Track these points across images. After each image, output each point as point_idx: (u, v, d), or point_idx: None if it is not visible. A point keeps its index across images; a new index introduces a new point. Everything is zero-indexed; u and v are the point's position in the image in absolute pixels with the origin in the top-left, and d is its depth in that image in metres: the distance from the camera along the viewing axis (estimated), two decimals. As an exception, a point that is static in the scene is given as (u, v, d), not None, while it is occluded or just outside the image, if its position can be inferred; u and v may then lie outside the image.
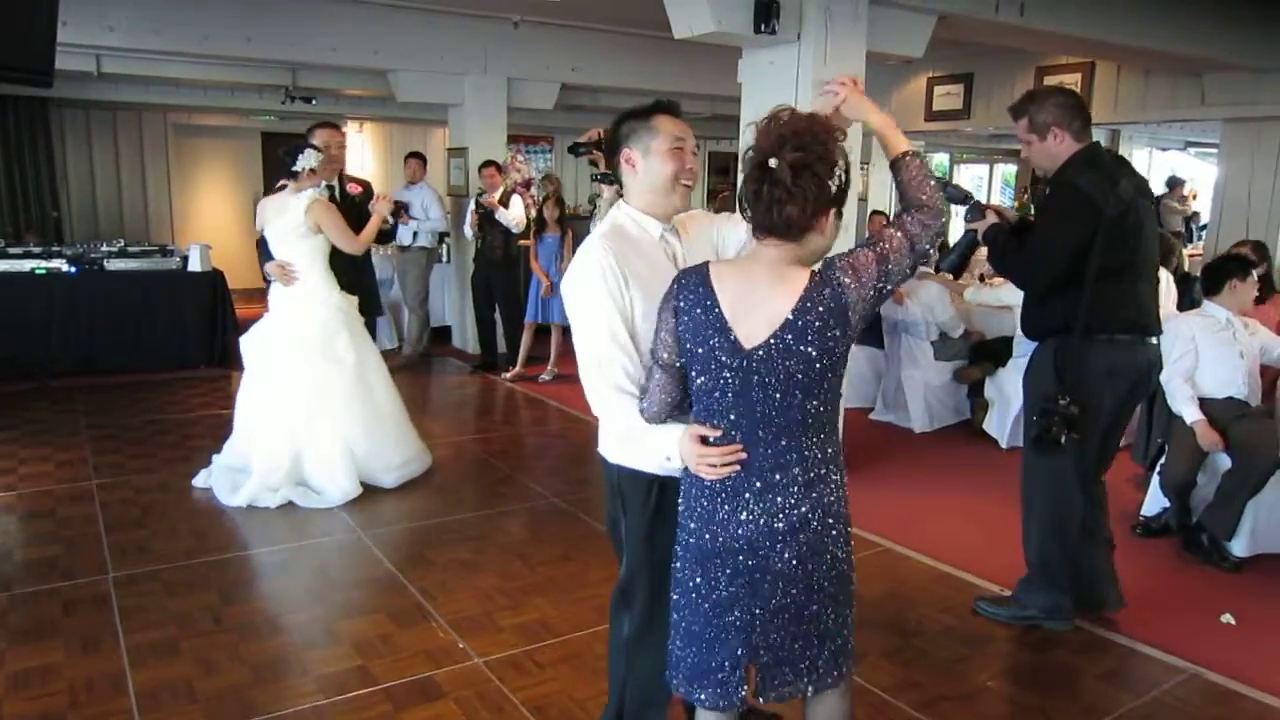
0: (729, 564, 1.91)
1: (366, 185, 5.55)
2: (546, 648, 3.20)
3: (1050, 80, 8.46)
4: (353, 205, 5.10)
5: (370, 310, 5.24)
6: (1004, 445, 5.68)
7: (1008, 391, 5.65)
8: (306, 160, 4.54)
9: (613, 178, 6.21)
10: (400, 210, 7.67)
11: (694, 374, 1.91)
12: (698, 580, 1.96)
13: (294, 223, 4.56)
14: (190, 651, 3.12)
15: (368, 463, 4.72)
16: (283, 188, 4.77)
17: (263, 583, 3.81)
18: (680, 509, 2.02)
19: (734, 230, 2.31)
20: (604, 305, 2.05)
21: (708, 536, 1.92)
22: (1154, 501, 4.45)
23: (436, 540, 4.17)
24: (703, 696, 1.98)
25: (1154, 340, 3.26)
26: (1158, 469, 4.40)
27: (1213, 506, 4.06)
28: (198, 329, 7.38)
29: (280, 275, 4.63)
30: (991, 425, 5.80)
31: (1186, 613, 3.56)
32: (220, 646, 3.16)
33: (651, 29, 7.25)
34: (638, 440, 2.07)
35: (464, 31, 7.77)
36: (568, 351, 8.27)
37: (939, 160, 15.99)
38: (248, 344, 4.75)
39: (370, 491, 4.71)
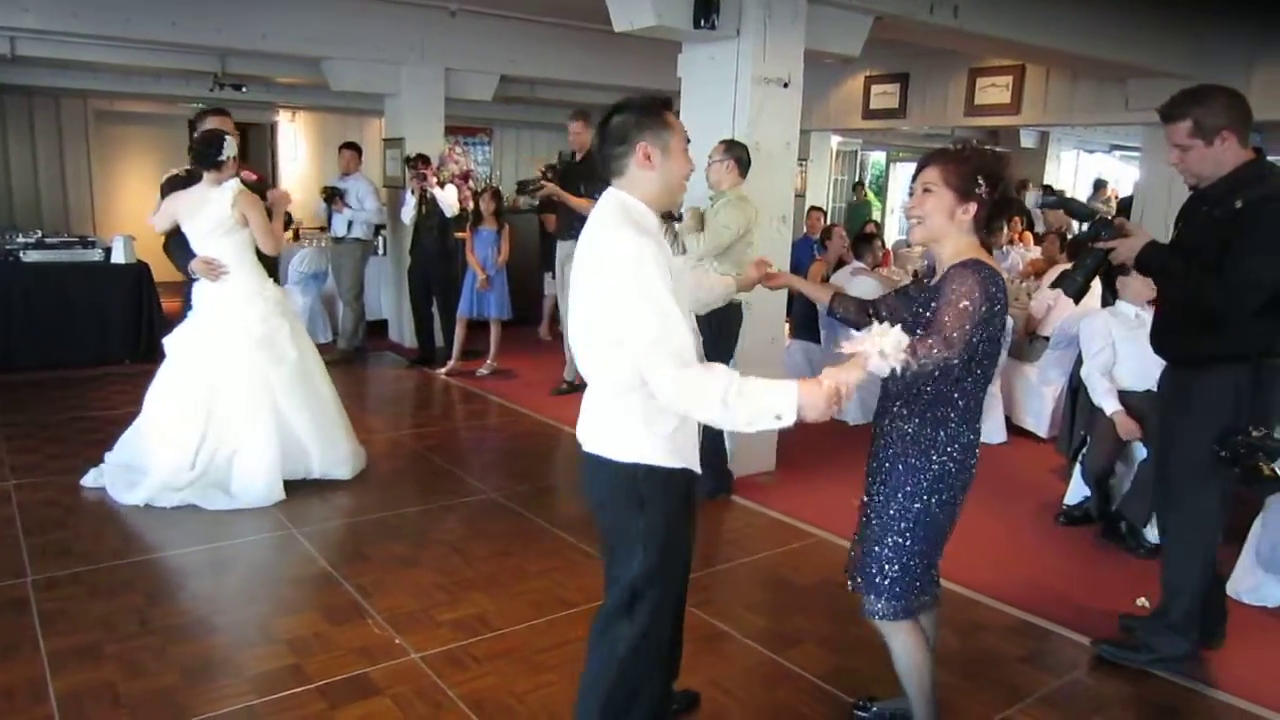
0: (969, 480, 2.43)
1: (262, 177, 5.30)
2: (484, 642, 3.19)
3: (983, 82, 8.69)
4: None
5: None
6: (935, 437, 5.81)
7: (939, 385, 5.79)
8: (229, 149, 4.39)
9: (538, 183, 5.96)
10: (335, 197, 7.52)
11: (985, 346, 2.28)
12: (954, 504, 2.41)
13: (219, 216, 4.39)
14: (115, 655, 3.03)
15: (323, 457, 4.66)
16: (182, 179, 4.61)
17: (192, 583, 3.72)
18: (947, 449, 2.34)
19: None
20: (662, 288, 2.01)
21: (972, 463, 2.40)
22: (1076, 491, 4.59)
23: (373, 537, 4.11)
24: (926, 597, 2.49)
25: None
26: (1080, 459, 4.55)
27: (1130, 495, 4.21)
28: (121, 323, 7.16)
29: (208, 272, 4.45)
30: (923, 418, 5.93)
31: (1105, 597, 3.69)
32: (147, 649, 3.08)
33: (591, 21, 7.24)
34: (743, 401, 1.94)
35: (400, 20, 7.64)
36: (507, 346, 8.20)
37: (876, 159, 16.25)
38: (175, 342, 4.57)
39: (304, 489, 4.62)
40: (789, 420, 1.93)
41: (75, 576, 3.60)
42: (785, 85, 4.76)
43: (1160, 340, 3.11)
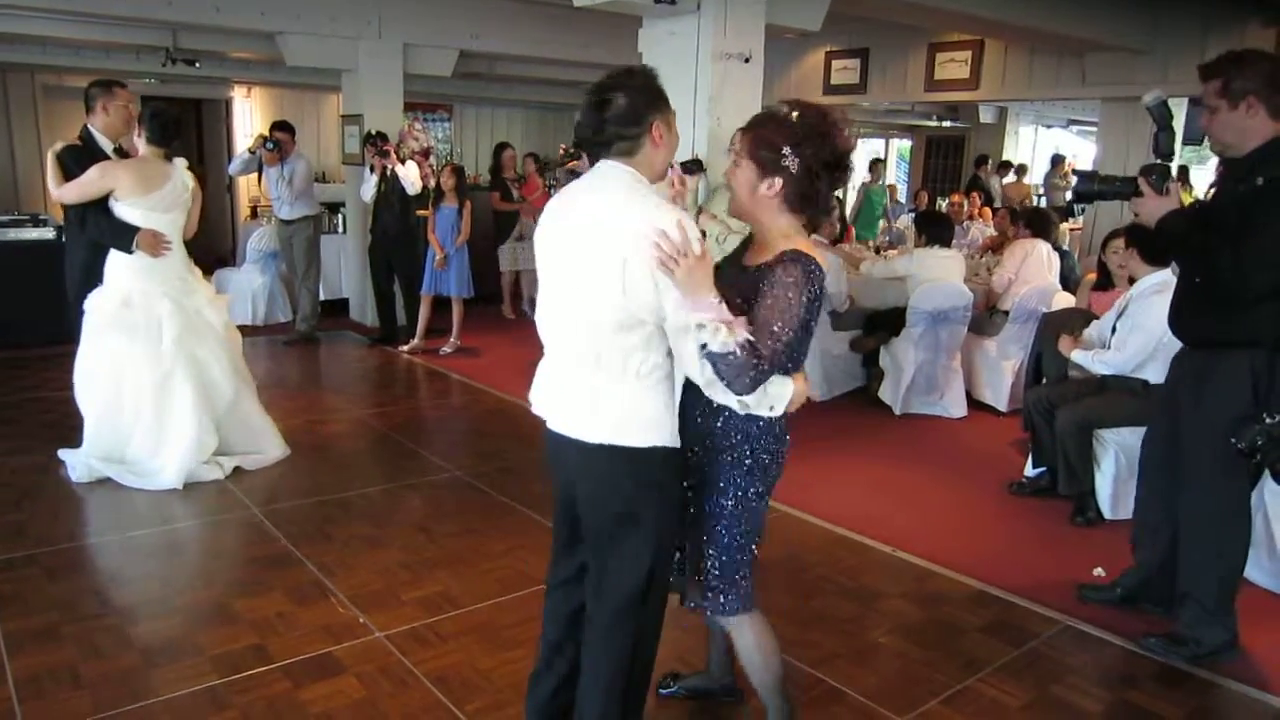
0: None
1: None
2: (449, 619, 3.19)
3: (942, 57, 8.74)
4: None
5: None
6: (897, 412, 5.89)
7: (900, 361, 5.86)
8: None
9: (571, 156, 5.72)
10: (263, 142, 7.28)
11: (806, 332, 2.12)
12: (767, 496, 2.27)
13: (179, 192, 4.43)
14: (74, 636, 2.99)
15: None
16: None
17: (152, 564, 3.67)
18: (765, 448, 2.19)
19: None
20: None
21: (785, 453, 2.24)
22: (1035, 464, 4.66)
23: (336, 516, 4.09)
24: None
25: None
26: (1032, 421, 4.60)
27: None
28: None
29: (156, 247, 4.36)
30: (885, 393, 6.00)
31: (1064, 568, 3.76)
32: (107, 630, 3.05)
33: (552, -4, 7.16)
34: (776, 394, 2.09)
35: (357, -7, 7.50)
36: (470, 324, 8.14)
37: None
38: (116, 321, 4.39)
39: (267, 468, 4.60)
40: (780, 410, 2.12)
41: (31, 558, 3.54)
42: (746, 60, 4.75)
43: (1177, 320, 3.03)
